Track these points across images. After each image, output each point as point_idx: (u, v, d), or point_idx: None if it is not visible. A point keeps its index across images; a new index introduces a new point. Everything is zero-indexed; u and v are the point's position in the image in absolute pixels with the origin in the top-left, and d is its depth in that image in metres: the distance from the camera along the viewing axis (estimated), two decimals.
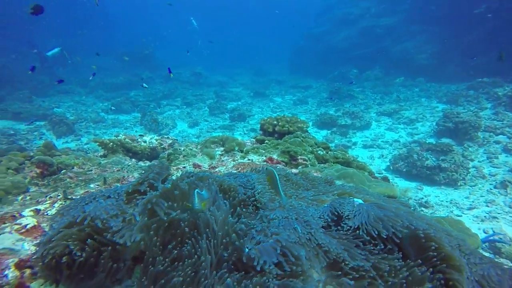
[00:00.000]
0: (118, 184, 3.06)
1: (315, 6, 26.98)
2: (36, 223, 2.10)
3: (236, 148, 4.46)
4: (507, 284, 1.61)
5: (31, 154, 3.89)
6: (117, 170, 3.78)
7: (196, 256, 1.50)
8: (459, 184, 7.34)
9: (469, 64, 14.14)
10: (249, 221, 1.78)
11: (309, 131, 5.42)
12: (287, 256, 1.45)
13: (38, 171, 3.55)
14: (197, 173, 2.08)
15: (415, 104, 13.14)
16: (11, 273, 1.65)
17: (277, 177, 2.03)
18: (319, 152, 4.43)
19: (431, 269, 1.51)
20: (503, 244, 4.98)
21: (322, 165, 4.14)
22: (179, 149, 4.69)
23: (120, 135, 5.09)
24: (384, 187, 3.41)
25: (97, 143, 4.82)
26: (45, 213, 2.37)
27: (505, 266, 1.76)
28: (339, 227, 1.80)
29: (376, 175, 5.09)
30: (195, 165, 3.92)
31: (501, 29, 13.63)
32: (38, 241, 1.76)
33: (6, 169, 3.43)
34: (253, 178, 2.28)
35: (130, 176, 3.37)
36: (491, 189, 7.02)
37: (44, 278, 1.60)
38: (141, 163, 4.56)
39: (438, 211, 6.35)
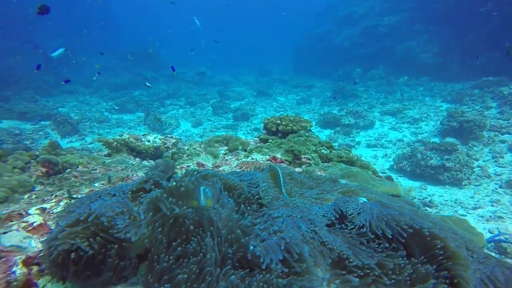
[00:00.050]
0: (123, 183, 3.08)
1: (315, 6, 26.86)
2: (42, 221, 2.13)
3: (240, 147, 4.47)
4: None
5: (37, 153, 3.92)
6: (122, 169, 3.81)
7: (201, 253, 1.51)
8: (463, 183, 7.28)
9: (473, 63, 14.02)
10: (253, 219, 1.78)
11: (312, 130, 5.41)
12: (291, 254, 1.45)
13: (43, 170, 3.59)
14: (201, 171, 2.09)
15: (419, 103, 13.05)
16: (19, 270, 1.68)
17: (280, 174, 2.04)
18: (322, 151, 4.42)
19: (434, 266, 1.51)
20: (509, 244, 4.93)
21: (326, 164, 4.13)
22: (183, 148, 4.70)
23: (124, 135, 5.12)
24: (388, 186, 3.40)
25: (101, 143, 4.85)
26: (51, 211, 2.39)
27: None
28: (343, 225, 1.80)
29: (380, 174, 5.07)
30: (199, 164, 3.94)
31: (506, 28, 13.47)
32: (44, 239, 1.78)
33: (12, 168, 3.47)
34: (257, 177, 2.29)
35: (135, 175, 3.39)
36: (496, 188, 6.95)
37: (51, 275, 1.62)
38: (145, 162, 4.59)
39: (442, 211, 6.31)
